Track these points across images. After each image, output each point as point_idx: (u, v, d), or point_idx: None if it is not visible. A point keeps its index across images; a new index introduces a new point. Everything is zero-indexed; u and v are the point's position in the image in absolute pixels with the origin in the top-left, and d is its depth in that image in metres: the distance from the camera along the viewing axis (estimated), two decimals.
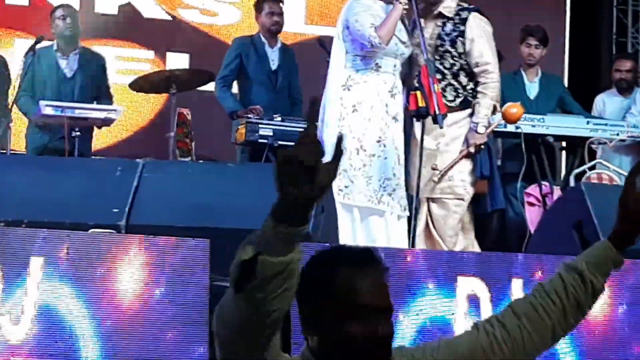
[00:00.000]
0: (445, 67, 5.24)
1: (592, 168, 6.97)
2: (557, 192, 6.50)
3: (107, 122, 6.52)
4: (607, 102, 7.70)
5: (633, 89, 7.72)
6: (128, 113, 7.76)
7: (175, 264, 3.71)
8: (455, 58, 5.25)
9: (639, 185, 2.26)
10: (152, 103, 8.08)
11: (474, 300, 3.93)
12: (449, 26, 5.27)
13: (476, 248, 5.36)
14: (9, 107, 6.47)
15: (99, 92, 6.86)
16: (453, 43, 5.24)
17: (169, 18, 8.46)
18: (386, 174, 5.11)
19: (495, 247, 5.40)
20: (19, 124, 6.94)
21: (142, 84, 6.69)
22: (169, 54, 8.39)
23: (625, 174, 7.16)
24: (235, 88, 6.90)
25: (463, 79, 5.26)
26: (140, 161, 4.42)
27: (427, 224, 5.26)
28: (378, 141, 5.11)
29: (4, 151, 6.34)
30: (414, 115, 5.10)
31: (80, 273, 3.70)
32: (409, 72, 5.32)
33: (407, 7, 5.14)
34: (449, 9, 5.30)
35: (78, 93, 6.71)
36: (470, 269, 3.96)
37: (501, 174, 5.96)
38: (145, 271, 3.71)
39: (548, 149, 6.80)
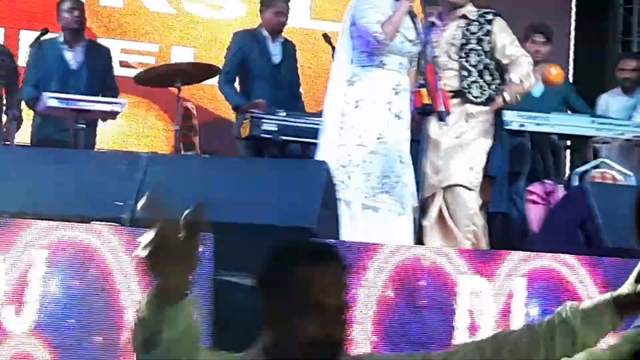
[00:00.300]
0: (471, 65, 5.32)
1: (596, 167, 6.97)
2: (560, 191, 6.50)
3: (112, 115, 6.52)
4: (610, 101, 7.68)
5: (637, 88, 7.71)
6: (134, 106, 7.75)
7: None
8: (481, 56, 5.33)
9: None
10: (157, 96, 8.08)
11: (476, 299, 3.93)
12: (474, 26, 5.36)
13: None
14: (17, 99, 6.47)
15: (105, 85, 6.86)
16: (479, 41, 5.34)
17: (175, 12, 8.46)
18: (385, 171, 5.11)
19: (497, 245, 5.40)
20: (23, 116, 6.94)
21: (147, 78, 6.69)
22: (173, 48, 8.39)
23: (630, 173, 7.19)
24: (236, 82, 6.90)
25: (488, 77, 5.34)
26: (145, 155, 4.42)
27: (440, 215, 5.29)
28: (379, 138, 5.12)
29: (8, 143, 6.34)
30: (419, 112, 5.12)
31: (83, 266, 3.70)
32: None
33: (412, 3, 5.16)
34: (472, 12, 5.38)
35: (83, 85, 6.71)
36: (472, 267, 3.96)
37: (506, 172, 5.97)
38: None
39: (553, 147, 6.80)
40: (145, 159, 4.36)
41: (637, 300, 2.04)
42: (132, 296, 3.67)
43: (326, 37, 6.64)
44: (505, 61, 5.36)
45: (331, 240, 3.91)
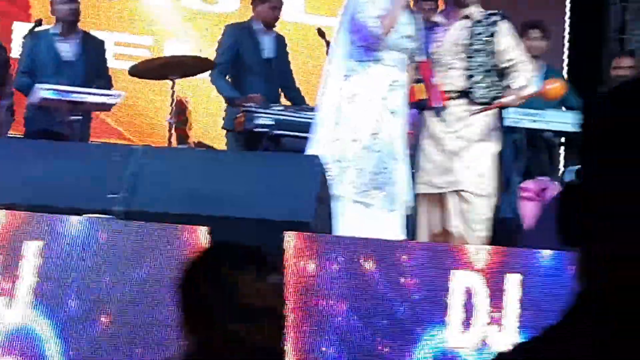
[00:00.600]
0: (476, 66, 5.32)
1: None
2: (554, 187, 6.49)
3: (106, 107, 6.50)
4: None
5: None
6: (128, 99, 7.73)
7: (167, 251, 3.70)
8: (486, 57, 5.32)
9: None
10: (151, 89, 8.06)
11: (469, 294, 3.92)
12: (479, 27, 5.35)
13: None
14: (10, 91, 6.45)
15: (99, 76, 6.84)
16: (485, 43, 5.33)
17: (169, 5, 8.44)
18: (378, 167, 5.10)
19: (490, 241, 5.40)
20: (15, 108, 6.91)
21: (141, 70, 6.67)
22: (168, 41, 8.37)
23: None
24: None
25: (493, 77, 5.34)
26: (139, 147, 4.40)
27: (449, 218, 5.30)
28: (373, 134, 5.10)
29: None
30: (414, 107, 5.12)
31: (76, 258, 3.69)
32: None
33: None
34: (478, 12, 5.38)
35: (78, 77, 6.69)
36: (466, 263, 3.95)
37: None
38: (142, 257, 3.69)
39: (548, 144, 6.80)
40: (139, 152, 4.34)
41: None
42: (124, 289, 3.66)
43: (320, 32, 6.62)
44: (504, 65, 5.35)
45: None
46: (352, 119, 5.11)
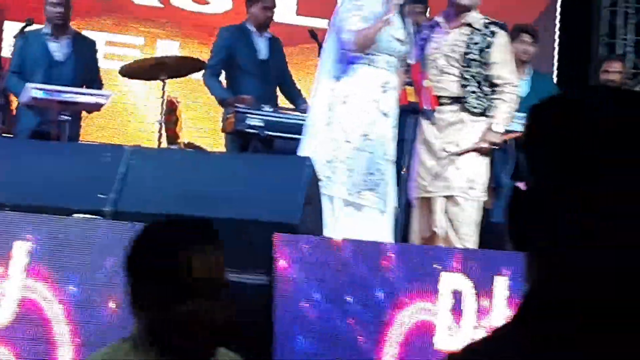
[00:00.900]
0: (470, 74, 5.33)
1: None
2: None
3: (96, 107, 6.49)
4: None
5: None
6: (118, 99, 7.74)
7: None
8: (481, 67, 5.33)
9: None
10: (141, 89, 8.06)
11: (458, 297, 3.94)
12: (477, 36, 5.35)
13: None
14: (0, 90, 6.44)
15: (90, 76, 6.84)
16: (480, 52, 5.34)
17: (160, 5, 8.45)
18: (370, 169, 5.12)
19: (479, 244, 5.42)
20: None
21: (132, 71, 6.67)
22: (159, 41, 8.37)
23: None
24: (222, 77, 6.88)
25: (486, 87, 5.35)
26: (128, 147, 4.40)
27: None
28: (364, 135, 5.12)
29: None
30: (404, 109, 5.13)
31: (64, 258, 3.69)
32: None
33: (392, 15, 5.16)
34: (478, 20, 5.37)
35: (68, 77, 6.69)
36: (455, 266, 3.97)
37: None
38: None
39: None
40: (129, 152, 4.34)
41: None
42: (113, 289, 3.66)
43: (312, 33, 6.64)
44: (494, 80, 5.36)
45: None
46: (344, 120, 5.12)
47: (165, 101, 6.40)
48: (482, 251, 4.26)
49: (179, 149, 6.40)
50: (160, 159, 4.55)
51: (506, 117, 5.35)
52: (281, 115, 6.31)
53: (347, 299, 3.80)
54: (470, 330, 3.93)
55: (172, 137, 6.58)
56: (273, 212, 4.02)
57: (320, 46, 5.66)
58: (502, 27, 5.48)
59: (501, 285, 3.98)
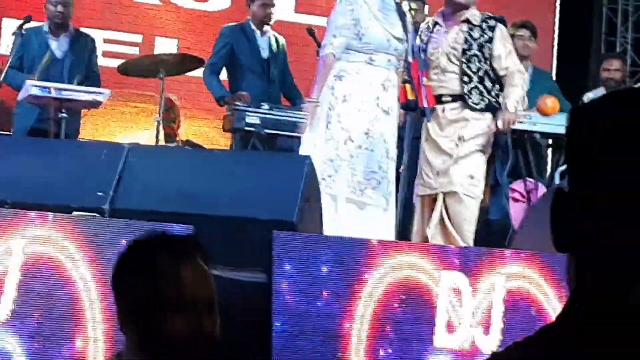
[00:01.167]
0: (472, 71, 5.34)
1: None
2: (541, 189, 6.51)
3: (94, 104, 6.49)
4: None
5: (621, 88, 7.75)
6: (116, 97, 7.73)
7: None
8: (481, 62, 5.33)
9: None
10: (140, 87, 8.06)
11: (456, 295, 3.94)
12: (476, 32, 5.36)
13: None
14: None
15: (88, 74, 6.84)
16: (481, 47, 5.35)
17: (159, 2, 8.44)
18: (372, 167, 5.12)
19: (478, 242, 5.42)
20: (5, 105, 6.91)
21: (130, 68, 6.67)
22: (157, 39, 8.36)
23: None
24: (223, 75, 6.88)
25: (488, 83, 5.35)
26: (126, 145, 4.40)
27: (441, 218, 5.31)
28: (366, 133, 5.12)
29: None
30: (402, 107, 5.14)
31: (62, 256, 3.69)
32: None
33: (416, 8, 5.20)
34: (475, 16, 5.38)
35: (67, 74, 6.69)
36: (454, 264, 3.97)
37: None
38: None
39: (534, 145, 6.81)
40: (127, 150, 4.34)
41: None
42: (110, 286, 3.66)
43: (310, 31, 6.63)
44: (501, 73, 5.36)
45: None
46: (345, 118, 5.12)
47: (164, 99, 6.39)
48: (480, 249, 4.26)
49: (178, 147, 6.40)
50: (159, 156, 4.54)
51: (518, 99, 5.36)
52: (280, 113, 6.31)
53: (347, 296, 3.80)
54: (467, 328, 3.93)
55: (171, 135, 6.58)
56: (271, 210, 4.02)
57: (318, 44, 5.66)
58: (500, 20, 5.48)
59: (499, 283, 3.98)
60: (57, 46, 6.77)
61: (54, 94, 6.18)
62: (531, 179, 6.66)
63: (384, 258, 3.87)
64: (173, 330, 1.95)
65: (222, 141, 7.40)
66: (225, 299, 3.74)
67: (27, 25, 6.61)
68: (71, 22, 7.00)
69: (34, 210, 3.77)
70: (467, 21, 5.41)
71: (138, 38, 8.33)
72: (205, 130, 7.98)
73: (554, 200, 1.08)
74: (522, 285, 4.02)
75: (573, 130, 1.06)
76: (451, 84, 5.34)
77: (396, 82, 5.24)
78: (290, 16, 8.51)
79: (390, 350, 3.82)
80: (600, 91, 7.78)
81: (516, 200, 6.28)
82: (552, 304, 4.02)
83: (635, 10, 9.70)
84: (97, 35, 7.65)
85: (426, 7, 7.23)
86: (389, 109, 5.18)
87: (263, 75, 6.77)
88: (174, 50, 8.16)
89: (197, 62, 6.72)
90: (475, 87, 5.32)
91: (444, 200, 5.32)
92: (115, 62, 6.91)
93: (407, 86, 5.08)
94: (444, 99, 5.34)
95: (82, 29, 7.25)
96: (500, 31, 5.42)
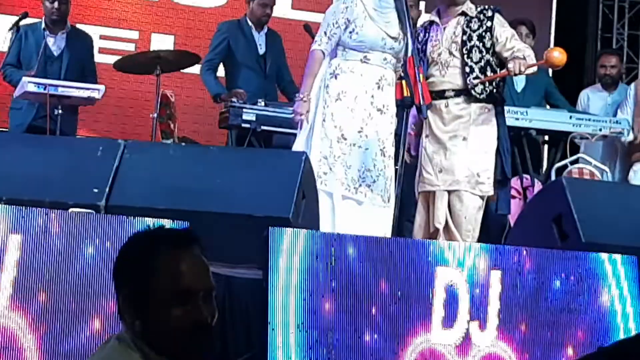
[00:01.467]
0: (473, 62, 5.33)
1: (574, 162, 7.00)
2: (538, 186, 6.52)
3: (89, 101, 6.49)
4: (591, 97, 7.73)
5: (617, 84, 7.75)
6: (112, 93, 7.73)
7: None
8: (482, 53, 5.33)
9: None
10: (136, 83, 8.05)
11: (452, 291, 3.94)
12: (474, 23, 5.36)
13: None
14: None
15: (85, 71, 6.84)
16: (481, 38, 5.34)
17: None
18: (366, 164, 5.12)
19: (484, 235, 5.43)
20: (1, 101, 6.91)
21: (126, 64, 6.66)
22: (154, 35, 8.35)
23: (607, 169, 7.22)
24: (221, 72, 6.88)
25: (490, 73, 5.33)
26: (122, 142, 4.40)
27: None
28: (359, 131, 5.12)
29: None
30: (398, 104, 5.14)
31: (58, 252, 3.68)
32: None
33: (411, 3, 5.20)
34: (471, 9, 5.40)
35: (64, 72, 6.70)
36: (450, 260, 3.97)
37: None
38: None
39: (531, 142, 6.82)
40: (123, 146, 4.34)
41: None
42: (106, 283, 3.66)
43: (307, 28, 6.64)
44: (506, 54, 5.35)
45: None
46: (338, 117, 5.13)
47: (160, 95, 6.39)
48: (476, 245, 4.26)
49: (174, 144, 6.39)
50: (155, 153, 4.54)
51: (529, 53, 5.33)
52: (276, 110, 6.31)
53: (341, 293, 3.80)
54: (464, 325, 3.94)
55: (167, 132, 6.57)
56: (267, 207, 4.02)
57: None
58: (496, 10, 5.48)
59: (495, 279, 3.98)
60: (54, 43, 6.77)
61: (48, 90, 6.18)
62: (527, 176, 6.67)
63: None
64: (171, 320, 2.02)
65: (218, 138, 7.40)
66: (221, 295, 3.75)
67: (23, 22, 6.61)
68: (69, 19, 7.00)
69: (29, 206, 3.77)
70: (464, 14, 5.42)
71: (134, 34, 8.32)
72: (201, 127, 7.97)
73: None
74: (519, 280, 4.02)
75: None
76: (454, 78, 5.34)
77: (392, 81, 5.24)
78: (287, 12, 8.51)
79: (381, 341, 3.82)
80: (597, 87, 7.80)
81: (512, 196, 6.28)
82: None
83: (631, 6, 9.71)
84: (94, 31, 7.65)
85: (422, 3, 7.24)
86: (383, 107, 5.18)
87: (259, 72, 6.77)
88: (170, 47, 8.15)
89: (193, 59, 6.71)
90: (477, 77, 5.33)
91: (448, 197, 5.31)
92: (112, 59, 6.90)
93: (403, 83, 5.07)
94: (447, 94, 5.34)
95: (79, 26, 7.24)
96: (498, 19, 5.43)
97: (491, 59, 5.37)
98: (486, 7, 5.48)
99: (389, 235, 5.02)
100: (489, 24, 5.39)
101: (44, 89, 6.18)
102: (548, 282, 4.04)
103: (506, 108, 6.23)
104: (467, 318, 3.94)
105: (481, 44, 5.37)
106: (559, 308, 4.03)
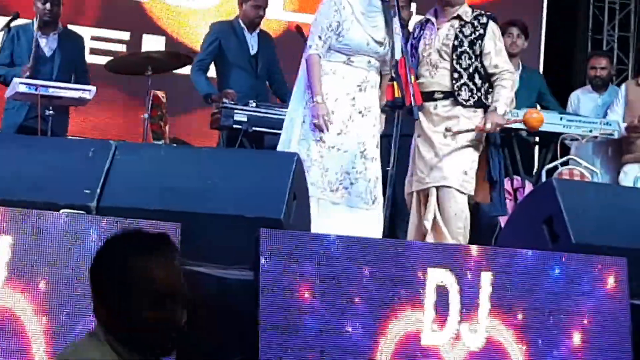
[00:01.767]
0: (462, 67, 5.36)
1: (564, 164, 7.02)
2: (529, 187, 6.54)
3: (80, 102, 6.49)
4: (581, 98, 7.75)
5: (608, 86, 7.78)
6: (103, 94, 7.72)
7: None
8: (472, 59, 5.35)
9: None
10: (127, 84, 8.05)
11: (442, 292, 3.95)
12: (467, 29, 5.37)
13: None
14: None
15: (77, 72, 6.83)
16: (471, 44, 5.37)
17: None
18: (345, 167, 5.11)
19: (475, 237, 5.44)
20: None
21: (118, 65, 6.66)
22: (145, 36, 8.35)
23: (597, 170, 7.23)
24: (213, 72, 6.88)
25: (478, 80, 5.37)
26: (113, 143, 4.39)
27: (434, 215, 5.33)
28: (339, 134, 5.11)
29: None
30: (389, 105, 5.14)
31: (49, 253, 3.68)
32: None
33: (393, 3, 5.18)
34: (467, 13, 5.40)
35: (56, 72, 6.70)
36: (440, 260, 3.98)
37: None
38: None
39: (522, 143, 6.84)
40: (114, 147, 4.33)
41: None
42: None
43: (298, 29, 6.64)
44: (490, 70, 5.38)
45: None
46: None
47: (151, 96, 6.39)
48: (467, 246, 4.27)
49: (165, 145, 6.39)
50: (146, 154, 4.53)
51: (507, 102, 5.38)
52: (268, 111, 6.31)
53: (333, 294, 3.80)
54: (454, 326, 3.94)
55: (158, 133, 6.57)
56: (258, 208, 4.02)
57: (305, 42, 5.66)
58: (492, 17, 5.50)
59: (485, 280, 3.99)
60: (45, 44, 6.77)
61: (40, 91, 6.18)
62: (518, 177, 6.68)
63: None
64: (142, 322, 2.08)
65: (209, 139, 7.40)
66: (212, 296, 3.76)
67: (14, 23, 6.60)
68: (60, 19, 6.99)
69: (20, 207, 3.77)
70: (459, 18, 5.43)
71: (125, 35, 8.32)
72: (192, 128, 7.97)
73: None
74: (510, 281, 4.03)
75: None
76: (442, 80, 5.36)
77: (376, 83, 5.23)
78: (279, 14, 8.51)
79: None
80: (587, 89, 7.82)
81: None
82: None
83: (622, 8, 9.74)
84: (85, 32, 7.65)
85: (413, 4, 7.25)
86: (365, 110, 5.17)
87: (251, 72, 6.77)
88: (162, 48, 8.15)
89: (184, 59, 6.72)
90: (465, 83, 5.35)
91: (437, 195, 5.34)
92: (103, 60, 6.90)
93: (395, 84, 5.08)
94: (435, 95, 5.37)
95: (70, 27, 7.24)
96: (492, 29, 5.44)
97: (479, 65, 5.39)
98: (482, 13, 5.49)
99: (378, 236, 5.01)
100: (481, 31, 5.41)
101: (35, 89, 6.17)
102: (539, 284, 4.05)
103: None
104: (457, 319, 3.95)
105: (471, 50, 5.39)
106: (549, 309, 4.05)
